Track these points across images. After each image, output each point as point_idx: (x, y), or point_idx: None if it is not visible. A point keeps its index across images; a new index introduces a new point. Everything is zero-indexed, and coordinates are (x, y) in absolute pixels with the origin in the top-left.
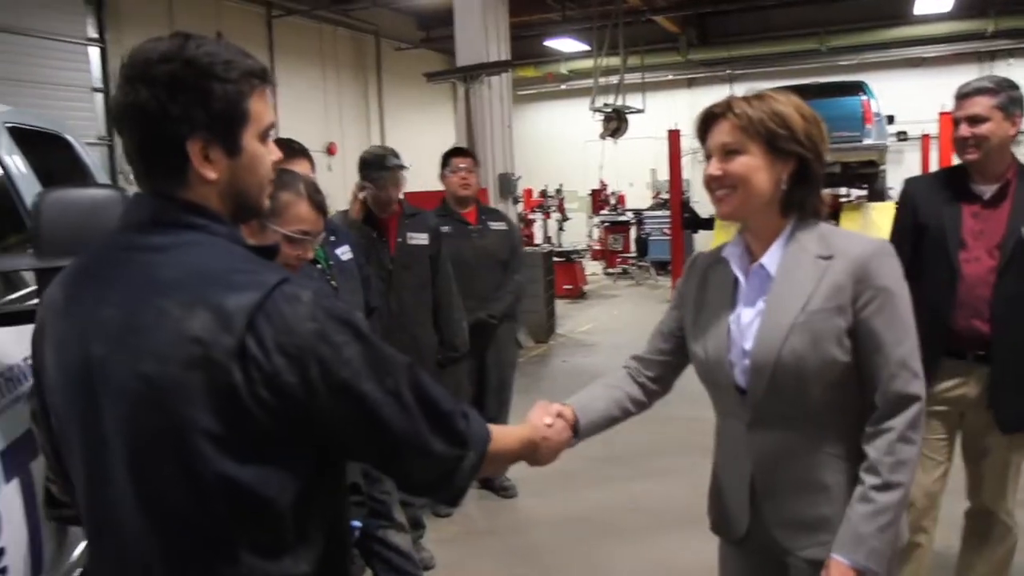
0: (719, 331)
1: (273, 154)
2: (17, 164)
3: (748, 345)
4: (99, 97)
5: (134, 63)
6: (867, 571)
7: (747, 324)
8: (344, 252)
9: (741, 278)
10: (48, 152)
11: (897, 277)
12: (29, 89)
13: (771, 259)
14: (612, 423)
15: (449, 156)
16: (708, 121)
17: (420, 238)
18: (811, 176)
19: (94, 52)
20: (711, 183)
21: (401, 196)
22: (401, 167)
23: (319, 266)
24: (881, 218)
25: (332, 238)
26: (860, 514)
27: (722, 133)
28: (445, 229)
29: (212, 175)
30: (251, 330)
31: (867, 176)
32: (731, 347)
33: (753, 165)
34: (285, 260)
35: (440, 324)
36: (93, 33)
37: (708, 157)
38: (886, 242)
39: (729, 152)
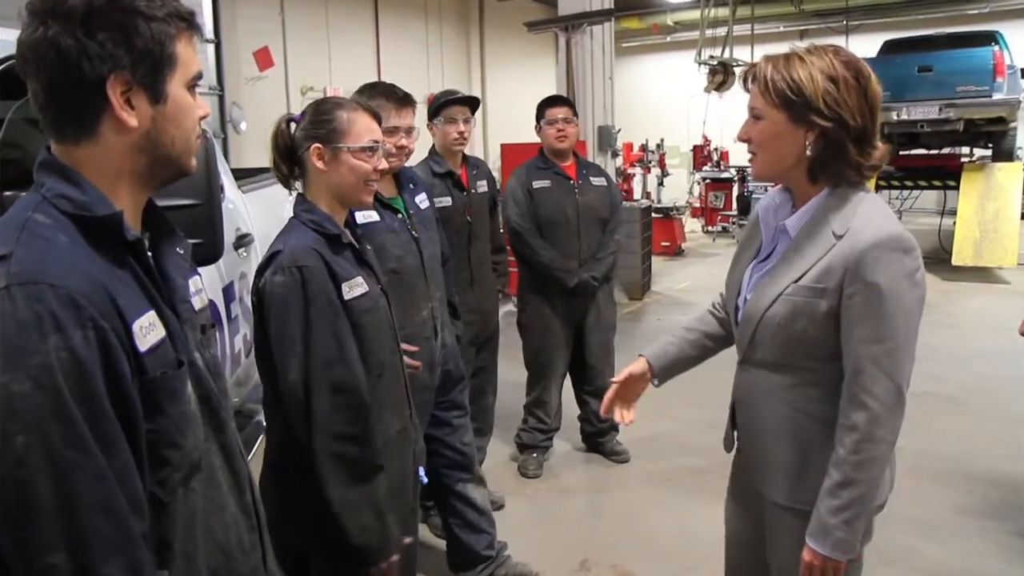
0: (737, 275)
1: (202, 109)
2: None
3: (748, 296)
4: (211, 48)
5: None
6: (834, 558)
7: (755, 278)
8: (422, 200)
9: (764, 234)
10: None
11: (894, 276)
12: None
13: (794, 223)
14: (692, 362)
15: (544, 106)
16: (746, 81)
17: (483, 185)
18: (836, 143)
19: (206, 3)
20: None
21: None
22: (472, 99)
23: (400, 215)
24: (1007, 180)
25: (411, 186)
26: (827, 508)
27: (752, 96)
28: (545, 184)
29: (132, 122)
30: None
31: (993, 134)
32: (740, 292)
33: (771, 132)
34: (367, 177)
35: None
36: None
37: None
38: (900, 236)
39: (755, 116)
